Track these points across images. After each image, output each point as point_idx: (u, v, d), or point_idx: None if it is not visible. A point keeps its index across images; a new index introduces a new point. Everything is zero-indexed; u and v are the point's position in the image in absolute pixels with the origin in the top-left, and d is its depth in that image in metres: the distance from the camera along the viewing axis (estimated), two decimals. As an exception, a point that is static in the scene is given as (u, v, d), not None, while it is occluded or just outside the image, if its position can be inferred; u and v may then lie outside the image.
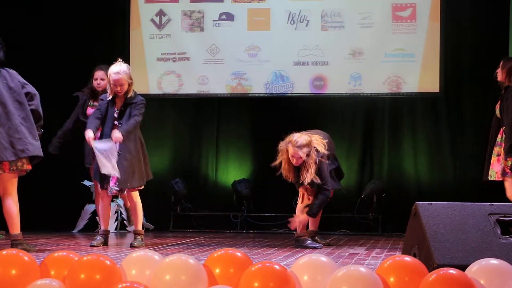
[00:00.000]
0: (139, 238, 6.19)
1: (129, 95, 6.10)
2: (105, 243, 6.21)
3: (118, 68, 6.03)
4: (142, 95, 6.09)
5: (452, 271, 2.86)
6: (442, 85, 8.29)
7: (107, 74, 6.26)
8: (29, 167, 5.45)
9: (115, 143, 5.86)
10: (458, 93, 8.48)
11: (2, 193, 5.44)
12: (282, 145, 6.25)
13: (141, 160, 6.14)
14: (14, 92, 5.41)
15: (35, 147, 5.39)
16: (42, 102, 5.60)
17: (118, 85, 6.02)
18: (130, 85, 6.09)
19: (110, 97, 6.10)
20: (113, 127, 6.01)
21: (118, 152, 5.88)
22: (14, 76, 5.48)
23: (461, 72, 8.47)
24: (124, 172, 5.95)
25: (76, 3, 8.76)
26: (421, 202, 3.97)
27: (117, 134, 5.89)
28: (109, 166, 5.78)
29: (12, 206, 5.43)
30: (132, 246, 6.07)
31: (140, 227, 6.25)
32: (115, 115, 6.06)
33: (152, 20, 8.76)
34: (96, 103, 6.84)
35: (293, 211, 8.51)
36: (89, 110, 6.99)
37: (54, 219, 8.11)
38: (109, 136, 5.94)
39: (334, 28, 8.51)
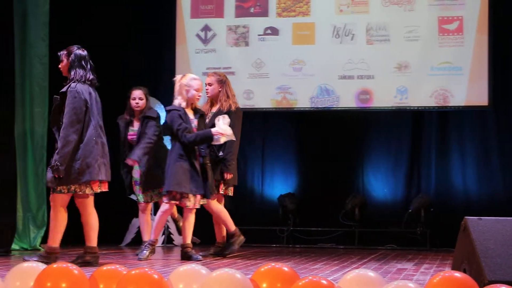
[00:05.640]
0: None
1: None
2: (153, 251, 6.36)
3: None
4: (176, 109, 6.18)
5: (504, 287, 2.81)
6: (491, 98, 8.18)
7: (145, 94, 6.86)
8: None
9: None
10: (506, 105, 8.37)
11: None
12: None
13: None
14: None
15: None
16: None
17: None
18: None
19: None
20: None
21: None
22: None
23: (509, 85, 8.35)
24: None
25: (122, 19, 8.88)
26: (471, 217, 3.92)
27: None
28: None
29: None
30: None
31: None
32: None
33: (198, 35, 8.84)
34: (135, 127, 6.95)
35: (339, 225, 8.52)
36: (129, 137, 6.98)
37: (102, 233, 8.17)
38: None
39: (379, 42, 8.47)
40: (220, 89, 6.71)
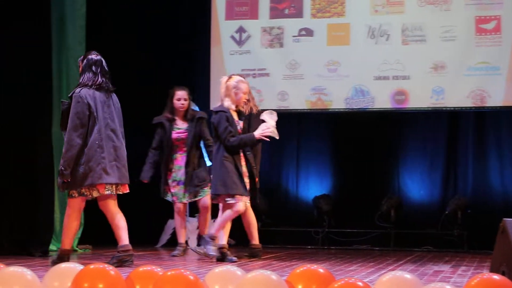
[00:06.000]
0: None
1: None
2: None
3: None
4: (223, 111, 6.21)
5: (544, 290, 2.77)
6: (529, 98, 8.07)
7: (188, 95, 6.93)
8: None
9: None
10: (545, 106, 8.24)
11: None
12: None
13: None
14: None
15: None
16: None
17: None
18: None
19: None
20: None
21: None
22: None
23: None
24: None
25: (157, 21, 8.94)
26: (510, 219, 3.87)
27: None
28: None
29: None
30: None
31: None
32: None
33: (232, 37, 8.86)
34: (180, 126, 6.99)
35: (375, 227, 8.46)
36: (174, 135, 7.08)
37: (138, 234, 8.23)
38: None
39: (415, 42, 8.41)
40: None
